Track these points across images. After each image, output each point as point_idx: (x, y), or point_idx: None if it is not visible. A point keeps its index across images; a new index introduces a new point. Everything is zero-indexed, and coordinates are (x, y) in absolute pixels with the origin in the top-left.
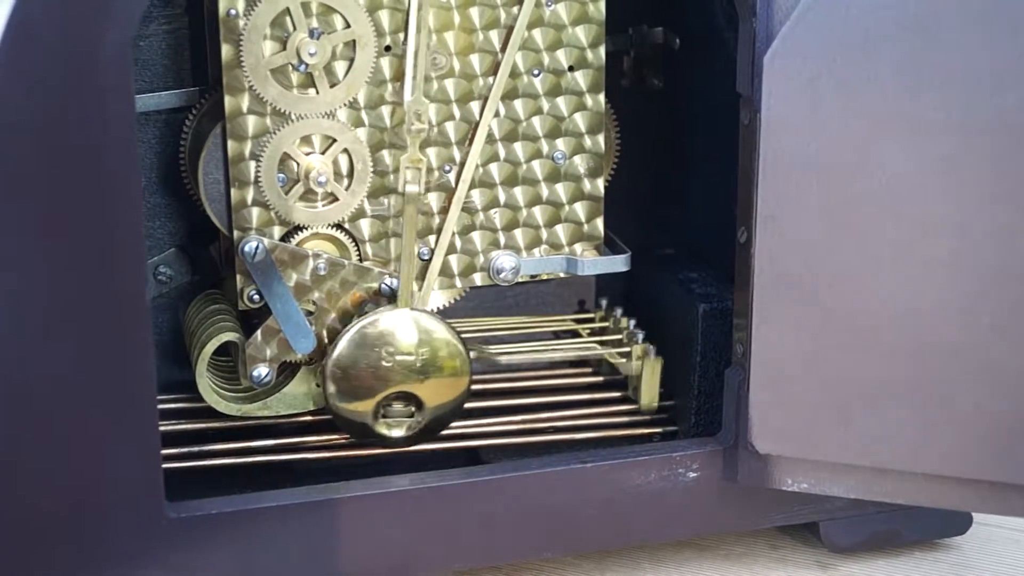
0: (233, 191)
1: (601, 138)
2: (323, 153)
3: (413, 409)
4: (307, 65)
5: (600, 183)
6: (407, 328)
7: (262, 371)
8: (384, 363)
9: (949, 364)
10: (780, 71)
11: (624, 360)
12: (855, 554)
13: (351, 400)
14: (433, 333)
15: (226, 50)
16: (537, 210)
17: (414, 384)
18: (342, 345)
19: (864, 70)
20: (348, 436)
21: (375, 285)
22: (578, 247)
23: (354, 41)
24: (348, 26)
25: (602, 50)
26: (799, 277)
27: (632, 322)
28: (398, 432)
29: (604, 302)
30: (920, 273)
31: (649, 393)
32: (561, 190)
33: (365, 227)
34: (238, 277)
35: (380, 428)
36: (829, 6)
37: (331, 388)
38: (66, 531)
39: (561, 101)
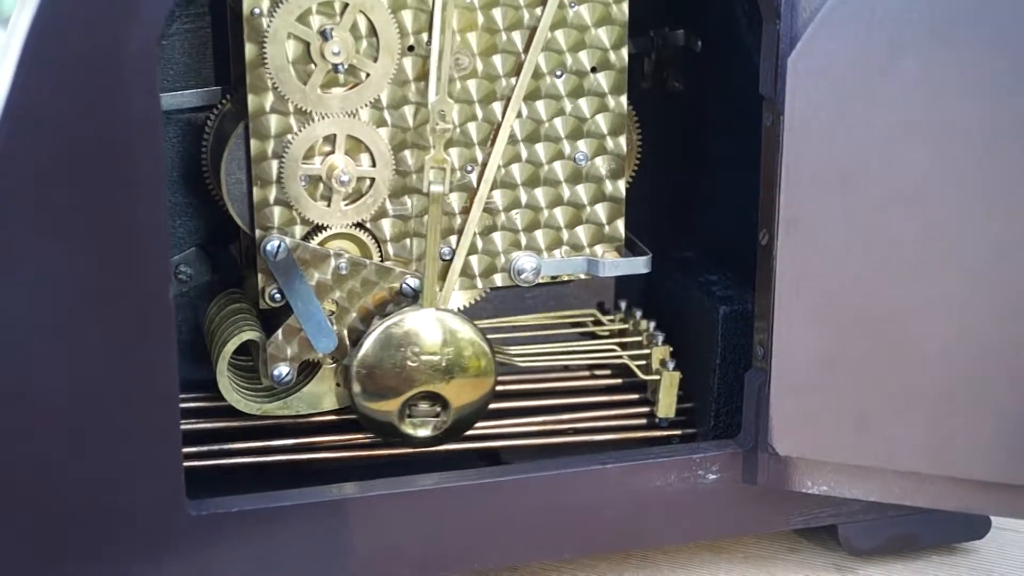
0: (255, 190)
1: (623, 140)
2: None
3: (439, 409)
4: (341, 65)
5: (621, 185)
6: (432, 328)
7: (283, 370)
8: (410, 363)
9: (970, 368)
10: (804, 73)
11: (641, 369)
12: (873, 557)
13: (377, 400)
14: (458, 333)
15: (250, 49)
16: (558, 211)
17: (439, 384)
18: (367, 345)
19: (888, 73)
20: (371, 435)
21: (396, 285)
22: (599, 248)
23: (363, 11)
24: (347, 5)
25: (625, 52)
26: (821, 280)
27: (652, 324)
28: (424, 432)
29: (624, 304)
30: (942, 277)
31: (666, 405)
32: (582, 191)
33: (387, 227)
34: (260, 276)
35: (406, 428)
36: (853, 9)
37: (356, 388)
38: (89, 528)
39: (583, 102)
